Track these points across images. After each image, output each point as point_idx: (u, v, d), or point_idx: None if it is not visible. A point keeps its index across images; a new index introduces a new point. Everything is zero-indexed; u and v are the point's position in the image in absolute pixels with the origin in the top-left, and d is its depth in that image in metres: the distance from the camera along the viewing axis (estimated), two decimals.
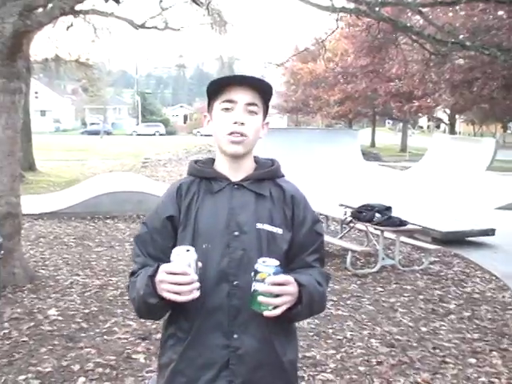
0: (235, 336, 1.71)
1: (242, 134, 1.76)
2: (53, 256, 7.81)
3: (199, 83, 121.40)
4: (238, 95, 1.76)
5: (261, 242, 1.74)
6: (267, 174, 1.87)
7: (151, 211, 1.89)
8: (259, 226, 1.75)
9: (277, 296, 1.59)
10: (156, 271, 1.63)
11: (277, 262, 1.61)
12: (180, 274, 1.56)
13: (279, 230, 1.78)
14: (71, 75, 29.45)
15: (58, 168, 21.40)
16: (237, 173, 1.83)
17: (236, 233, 1.74)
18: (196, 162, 1.94)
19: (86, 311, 5.50)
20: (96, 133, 57.23)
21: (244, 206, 1.78)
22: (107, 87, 65.22)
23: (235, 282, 1.71)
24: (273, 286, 1.58)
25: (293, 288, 1.63)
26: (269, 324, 1.70)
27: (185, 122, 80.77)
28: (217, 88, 1.79)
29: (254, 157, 1.91)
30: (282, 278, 1.60)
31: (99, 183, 12.44)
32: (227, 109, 1.77)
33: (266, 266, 1.59)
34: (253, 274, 1.60)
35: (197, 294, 1.59)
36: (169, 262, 1.61)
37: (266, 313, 1.60)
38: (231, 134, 1.76)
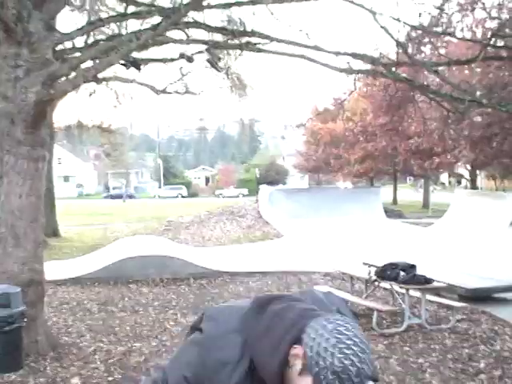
0: None
1: None
2: (76, 322, 7.79)
3: (220, 145, 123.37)
4: None
5: None
6: None
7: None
8: None
9: None
10: None
11: None
12: None
13: None
14: (94, 141, 30.10)
15: (81, 233, 21.59)
16: None
17: None
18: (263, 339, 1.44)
19: (110, 379, 5.45)
20: (119, 196, 57.97)
21: None
22: (129, 151, 66.49)
23: None
24: None
25: None
26: None
27: (206, 184, 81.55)
28: None
29: None
30: None
31: (122, 247, 12.50)
32: None
33: None
34: None
35: None
36: None
37: None
38: None
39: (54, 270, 10.22)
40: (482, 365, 5.93)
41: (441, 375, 5.60)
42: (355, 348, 1.35)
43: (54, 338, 6.69)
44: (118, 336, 7.07)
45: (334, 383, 1.32)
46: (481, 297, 8.89)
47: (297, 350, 1.38)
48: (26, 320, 5.81)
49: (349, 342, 1.35)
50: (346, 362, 1.33)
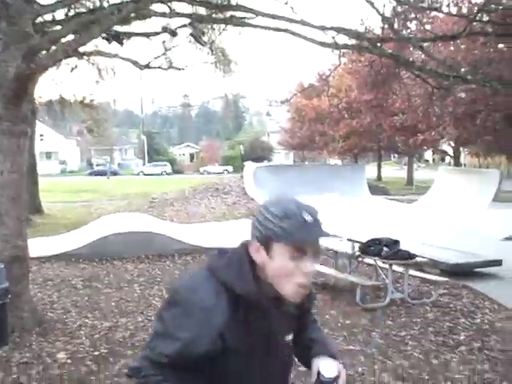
0: None
1: (308, 285, 1.69)
2: (61, 299, 7.80)
3: (205, 121, 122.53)
4: (309, 246, 1.66)
5: (289, 354, 1.88)
6: None
7: (174, 345, 1.61)
8: (287, 339, 1.82)
9: None
10: None
11: (335, 372, 1.74)
12: None
13: (290, 337, 1.84)
14: (76, 116, 29.78)
15: (64, 210, 21.49)
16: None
17: (273, 355, 1.75)
18: (228, 269, 1.67)
19: (96, 353, 5.47)
20: (102, 173, 57.56)
21: (279, 326, 1.76)
22: (113, 128, 65.85)
23: None
24: None
25: (343, 373, 1.78)
26: None
27: (191, 161, 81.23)
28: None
29: None
30: (343, 377, 1.76)
31: (106, 224, 12.45)
32: (296, 257, 1.63)
33: (330, 378, 1.72)
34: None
35: None
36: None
37: None
38: (299, 285, 1.64)
39: (37, 246, 10.17)
40: (462, 337, 6.03)
41: (422, 347, 5.69)
42: (297, 202, 1.69)
43: (40, 314, 6.69)
44: (103, 312, 7.09)
45: (288, 228, 1.60)
46: (462, 272, 9.02)
47: (252, 245, 1.67)
48: (10, 296, 5.80)
49: (290, 201, 1.69)
50: (290, 206, 1.65)
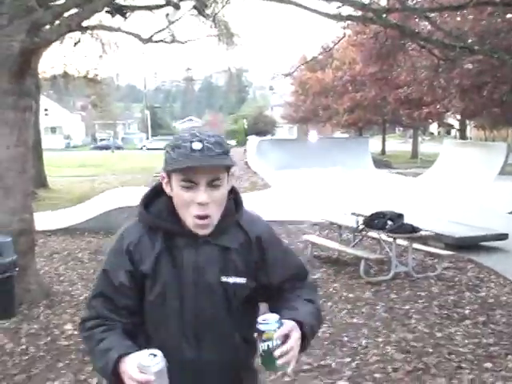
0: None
1: (206, 216, 1.64)
2: (67, 272, 7.86)
3: (208, 95, 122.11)
4: (198, 176, 1.62)
5: (227, 296, 1.71)
6: (231, 221, 1.76)
7: (100, 274, 1.80)
8: (224, 279, 1.70)
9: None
10: (116, 365, 1.56)
11: (276, 317, 1.58)
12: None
13: (242, 280, 1.72)
14: (80, 91, 29.67)
15: (69, 184, 21.52)
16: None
17: (203, 290, 1.69)
18: (148, 206, 1.77)
19: None
20: (106, 148, 57.55)
21: (210, 262, 1.70)
22: (116, 102, 65.69)
23: (203, 340, 1.71)
24: (287, 344, 1.54)
25: (297, 332, 1.59)
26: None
27: None
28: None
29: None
30: (287, 327, 1.56)
31: (111, 198, 12.49)
32: (187, 187, 1.63)
33: (268, 323, 1.55)
34: (256, 334, 1.56)
35: None
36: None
37: (287, 370, 1.58)
38: (195, 217, 1.63)
39: (43, 220, 10.22)
40: (466, 311, 6.05)
41: (426, 321, 5.72)
42: (194, 132, 1.64)
43: (47, 287, 6.76)
44: None
45: (176, 157, 1.60)
46: (467, 245, 9.01)
47: (162, 179, 1.71)
48: (17, 269, 5.86)
49: (189, 130, 1.66)
50: (184, 135, 1.63)
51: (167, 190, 1.70)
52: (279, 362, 1.53)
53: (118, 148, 60.17)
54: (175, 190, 1.65)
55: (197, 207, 1.62)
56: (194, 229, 1.66)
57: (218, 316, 1.71)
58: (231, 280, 1.71)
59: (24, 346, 5.00)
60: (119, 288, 1.71)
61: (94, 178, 24.22)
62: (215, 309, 1.70)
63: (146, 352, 1.52)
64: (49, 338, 5.17)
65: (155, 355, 1.50)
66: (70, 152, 54.92)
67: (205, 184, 1.61)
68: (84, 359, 4.66)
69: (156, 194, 1.78)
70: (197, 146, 1.59)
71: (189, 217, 1.64)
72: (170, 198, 1.71)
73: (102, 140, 68.52)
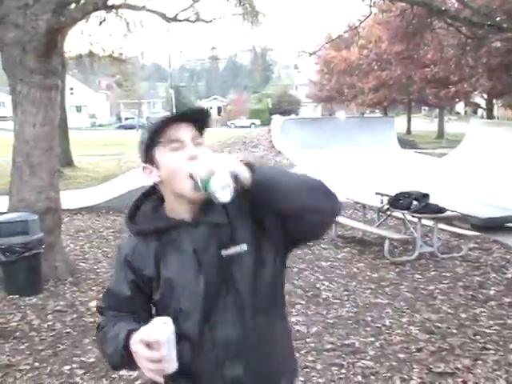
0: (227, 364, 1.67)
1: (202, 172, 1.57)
2: (92, 249, 7.96)
3: (232, 75, 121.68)
4: (181, 132, 1.63)
5: (232, 268, 1.65)
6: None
7: (104, 293, 1.86)
8: (224, 253, 1.65)
9: None
10: (127, 339, 1.57)
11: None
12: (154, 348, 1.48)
13: (243, 246, 1.66)
14: (105, 70, 29.77)
15: (95, 163, 21.71)
16: (192, 210, 1.68)
17: (208, 271, 1.65)
18: (133, 217, 1.78)
19: None
20: (131, 127, 57.78)
21: (206, 242, 1.66)
22: (141, 82, 65.83)
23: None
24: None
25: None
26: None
27: (219, 114, 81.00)
28: (154, 133, 1.64)
29: None
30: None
31: (136, 177, 12.55)
32: (175, 148, 1.62)
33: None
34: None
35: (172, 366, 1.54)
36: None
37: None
38: (191, 176, 1.59)
39: (69, 199, 10.33)
40: (492, 292, 6.00)
41: (451, 301, 5.68)
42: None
43: (72, 264, 6.85)
44: None
45: (152, 128, 1.63)
46: (493, 226, 8.90)
47: (145, 173, 1.72)
48: (44, 247, 5.94)
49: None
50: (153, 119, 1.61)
51: (154, 178, 1.70)
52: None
53: (143, 127, 60.38)
54: (162, 162, 1.64)
55: (190, 165, 1.59)
56: (191, 192, 1.60)
57: (232, 291, 1.65)
58: (232, 251, 1.65)
59: (50, 323, 5.08)
60: (124, 301, 1.74)
61: (119, 156, 24.39)
62: (226, 284, 1.65)
63: (152, 322, 1.53)
64: (74, 315, 5.25)
65: (164, 323, 1.52)
66: (96, 131, 55.31)
67: (190, 140, 1.62)
68: None
69: (138, 207, 1.80)
70: (169, 114, 1.69)
71: (184, 181, 1.60)
72: (153, 201, 1.76)
73: (126, 119, 68.83)
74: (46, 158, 6.36)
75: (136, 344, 1.51)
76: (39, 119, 6.26)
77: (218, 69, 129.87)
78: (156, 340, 1.47)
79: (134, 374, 3.99)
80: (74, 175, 17.40)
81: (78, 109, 69.01)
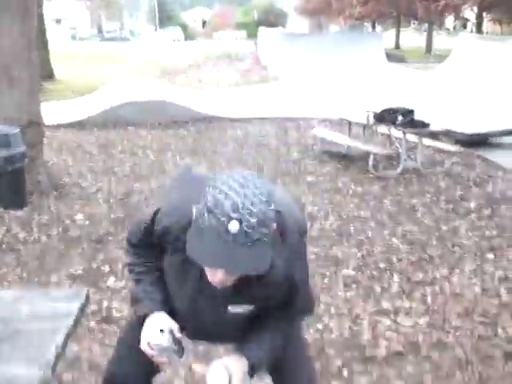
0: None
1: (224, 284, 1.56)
2: (76, 164, 7.90)
3: None
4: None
5: (227, 314, 1.77)
6: None
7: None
8: (230, 308, 1.75)
9: None
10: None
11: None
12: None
13: (250, 307, 1.77)
14: None
15: (77, 76, 21.23)
16: None
17: (201, 304, 1.76)
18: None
19: (113, 216, 5.61)
20: (113, 40, 56.40)
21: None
22: None
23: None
24: None
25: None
26: None
27: (203, 27, 79.06)
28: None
29: None
30: None
31: (119, 91, 12.33)
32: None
33: None
34: None
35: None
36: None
37: None
38: (212, 282, 1.57)
39: (51, 112, 10.15)
40: (472, 205, 6.11)
41: (432, 214, 5.78)
42: (235, 188, 1.35)
43: (56, 178, 6.80)
44: (118, 176, 7.20)
45: (208, 219, 1.35)
46: (477, 142, 8.95)
47: None
48: (26, 160, 5.88)
49: (231, 183, 1.37)
50: (218, 196, 1.35)
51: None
52: None
53: (125, 40, 58.88)
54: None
55: (213, 281, 1.51)
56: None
57: (220, 327, 1.79)
58: (237, 309, 1.73)
59: (36, 236, 5.09)
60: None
61: (101, 69, 23.86)
62: (218, 320, 1.76)
63: (157, 326, 1.69)
64: (60, 229, 5.25)
65: (162, 331, 1.68)
66: (77, 43, 53.79)
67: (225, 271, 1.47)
68: (97, 247, 4.79)
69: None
70: (233, 226, 1.33)
71: (208, 275, 1.52)
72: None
73: (108, 32, 67.02)
74: (25, 70, 6.18)
75: (144, 343, 1.70)
76: (16, 29, 6.05)
77: None
78: (151, 354, 1.68)
79: (122, 283, 4.06)
80: (56, 88, 17.07)
81: (58, 21, 66.88)
